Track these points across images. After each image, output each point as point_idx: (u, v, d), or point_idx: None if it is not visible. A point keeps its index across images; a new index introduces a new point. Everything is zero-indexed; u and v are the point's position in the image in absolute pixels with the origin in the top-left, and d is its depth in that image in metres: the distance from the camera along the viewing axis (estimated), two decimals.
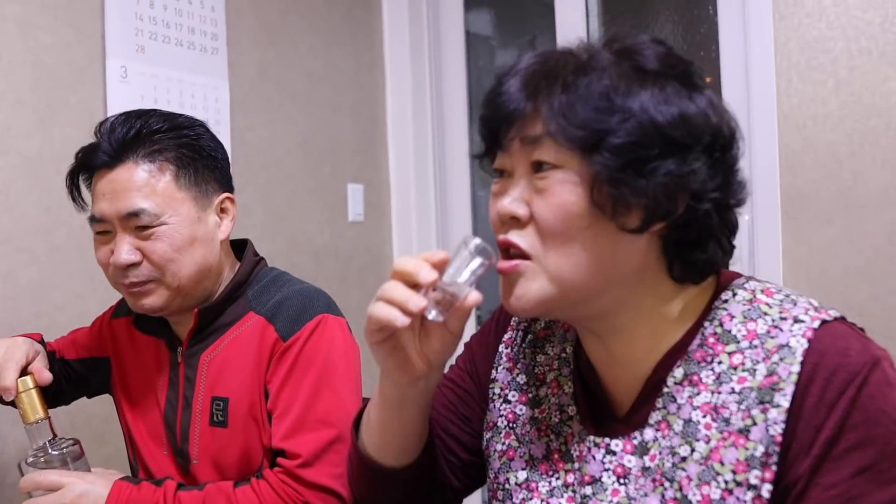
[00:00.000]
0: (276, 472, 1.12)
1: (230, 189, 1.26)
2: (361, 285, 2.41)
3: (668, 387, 0.78)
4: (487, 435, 0.92)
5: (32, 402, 1.12)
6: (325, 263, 2.31)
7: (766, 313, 0.76)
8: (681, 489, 0.74)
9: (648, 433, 0.78)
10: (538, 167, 0.75)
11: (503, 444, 0.89)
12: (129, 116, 1.18)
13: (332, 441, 1.13)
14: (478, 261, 0.75)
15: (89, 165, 1.18)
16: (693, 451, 0.74)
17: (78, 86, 1.73)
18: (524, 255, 0.76)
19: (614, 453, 0.80)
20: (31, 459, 1.10)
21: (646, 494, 0.76)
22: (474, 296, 0.75)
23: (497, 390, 0.92)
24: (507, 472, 0.87)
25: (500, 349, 0.94)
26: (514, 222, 0.77)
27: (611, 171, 0.72)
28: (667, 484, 0.75)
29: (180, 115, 1.22)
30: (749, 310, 0.77)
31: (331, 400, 1.14)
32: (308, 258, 2.26)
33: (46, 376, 1.17)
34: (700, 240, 0.77)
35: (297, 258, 2.22)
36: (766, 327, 0.75)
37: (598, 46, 0.78)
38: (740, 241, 0.86)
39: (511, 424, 0.89)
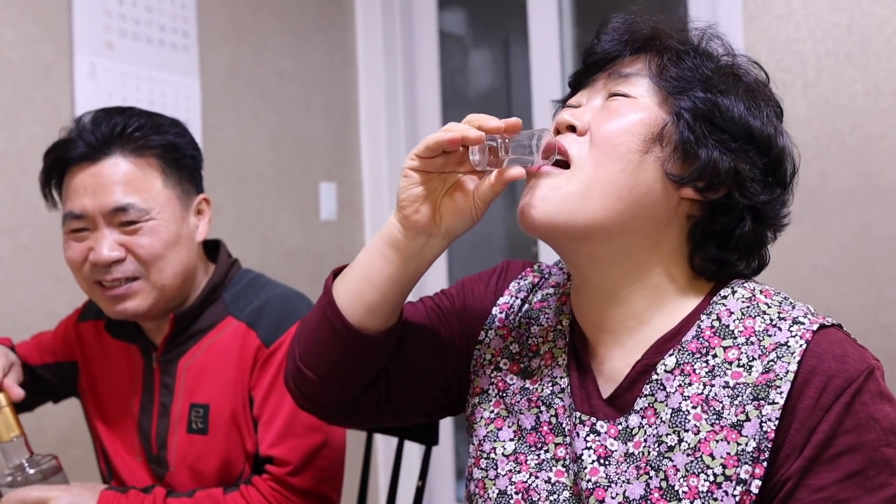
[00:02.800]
0: (266, 479, 1.11)
1: (203, 190, 1.24)
2: None
3: (657, 374, 0.78)
4: (474, 400, 0.90)
5: (7, 420, 1.07)
6: (297, 263, 2.29)
7: (764, 312, 0.77)
8: (667, 479, 0.74)
9: (633, 419, 0.78)
10: (615, 96, 0.80)
11: (491, 411, 0.88)
12: (110, 112, 1.15)
13: (319, 446, 1.13)
14: (537, 155, 0.77)
15: (66, 158, 1.13)
16: (681, 440, 0.74)
17: (44, 83, 1.70)
18: (565, 166, 0.79)
19: (598, 433, 0.80)
20: (8, 479, 1.06)
21: (628, 481, 0.76)
22: (517, 170, 0.77)
23: (488, 356, 0.91)
24: (494, 441, 0.86)
25: (494, 312, 0.93)
26: (570, 130, 0.80)
27: (690, 116, 0.77)
28: (652, 473, 0.75)
29: (160, 115, 1.20)
30: (748, 307, 0.78)
31: None
32: (280, 258, 2.24)
33: (18, 392, 1.13)
34: (726, 236, 0.80)
35: (269, 258, 2.20)
36: (763, 325, 0.76)
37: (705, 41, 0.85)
38: None
39: (501, 393, 0.88)
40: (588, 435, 0.80)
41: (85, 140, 1.11)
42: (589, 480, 0.78)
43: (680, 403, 0.76)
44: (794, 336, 0.73)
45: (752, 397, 0.72)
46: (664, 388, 0.77)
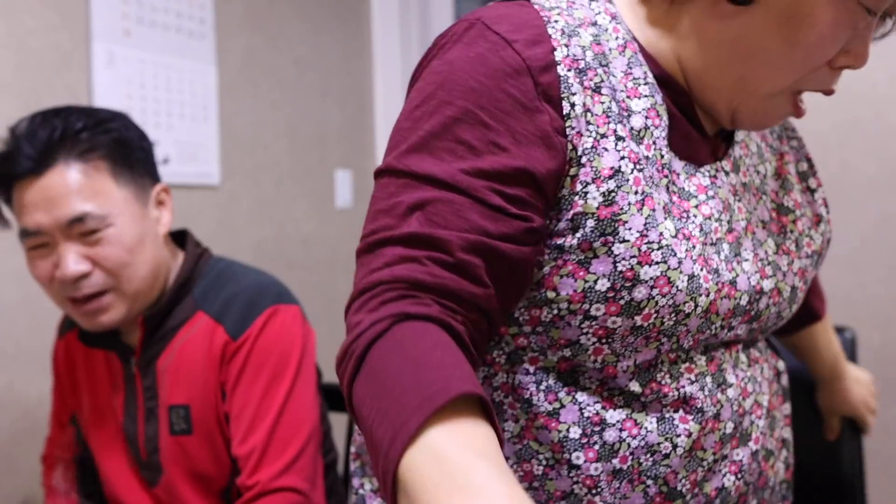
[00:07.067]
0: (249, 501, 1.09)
1: (159, 179, 1.18)
2: (349, 272, 2.40)
3: None
4: (605, 187, 0.66)
5: None
6: (312, 250, 2.30)
7: None
8: (773, 199, 0.81)
9: (737, 150, 0.79)
10: None
11: (636, 192, 0.67)
12: (46, 116, 1.08)
13: (301, 440, 1.11)
14: None
15: (10, 175, 1.06)
16: (766, 169, 0.82)
17: (63, 70, 1.71)
18: None
19: (727, 173, 0.76)
20: None
21: (755, 208, 0.79)
22: None
23: (595, 128, 0.67)
24: (656, 225, 0.67)
25: (562, 72, 0.67)
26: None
27: None
28: (763, 197, 0.80)
29: (99, 109, 1.12)
30: None
31: (282, 399, 1.11)
32: (296, 245, 2.25)
33: None
34: None
35: (285, 245, 2.21)
36: None
37: None
38: None
39: (637, 166, 0.68)
40: (721, 179, 0.75)
41: (25, 153, 1.04)
42: (739, 220, 0.75)
43: (755, 137, 0.83)
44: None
45: (776, 136, 0.87)
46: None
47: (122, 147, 1.09)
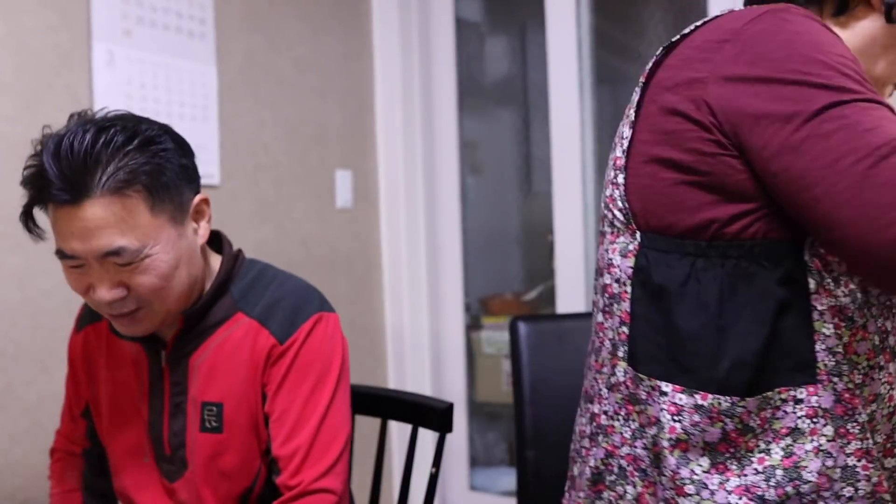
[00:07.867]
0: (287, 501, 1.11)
1: (199, 189, 1.14)
2: (349, 272, 2.41)
3: None
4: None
5: None
6: (313, 251, 2.30)
7: None
8: None
9: None
10: None
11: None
12: (83, 137, 1.00)
13: (340, 444, 1.14)
14: None
15: (46, 197, 1.02)
16: None
17: (63, 70, 1.71)
18: None
19: None
20: None
21: None
22: None
23: None
24: None
25: None
26: None
27: None
28: None
29: (142, 122, 1.07)
30: None
31: (325, 404, 1.14)
32: (296, 245, 2.25)
33: None
34: None
35: (285, 245, 2.21)
36: None
37: None
38: None
39: None
40: None
41: (59, 180, 0.99)
42: None
43: None
44: None
45: None
46: None
47: (161, 173, 1.04)
